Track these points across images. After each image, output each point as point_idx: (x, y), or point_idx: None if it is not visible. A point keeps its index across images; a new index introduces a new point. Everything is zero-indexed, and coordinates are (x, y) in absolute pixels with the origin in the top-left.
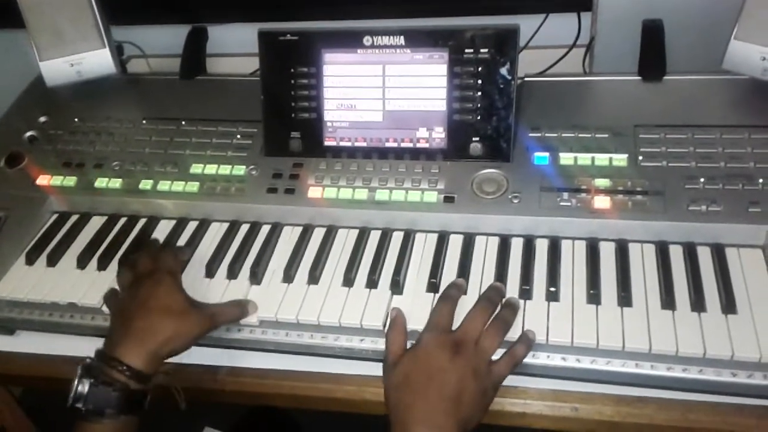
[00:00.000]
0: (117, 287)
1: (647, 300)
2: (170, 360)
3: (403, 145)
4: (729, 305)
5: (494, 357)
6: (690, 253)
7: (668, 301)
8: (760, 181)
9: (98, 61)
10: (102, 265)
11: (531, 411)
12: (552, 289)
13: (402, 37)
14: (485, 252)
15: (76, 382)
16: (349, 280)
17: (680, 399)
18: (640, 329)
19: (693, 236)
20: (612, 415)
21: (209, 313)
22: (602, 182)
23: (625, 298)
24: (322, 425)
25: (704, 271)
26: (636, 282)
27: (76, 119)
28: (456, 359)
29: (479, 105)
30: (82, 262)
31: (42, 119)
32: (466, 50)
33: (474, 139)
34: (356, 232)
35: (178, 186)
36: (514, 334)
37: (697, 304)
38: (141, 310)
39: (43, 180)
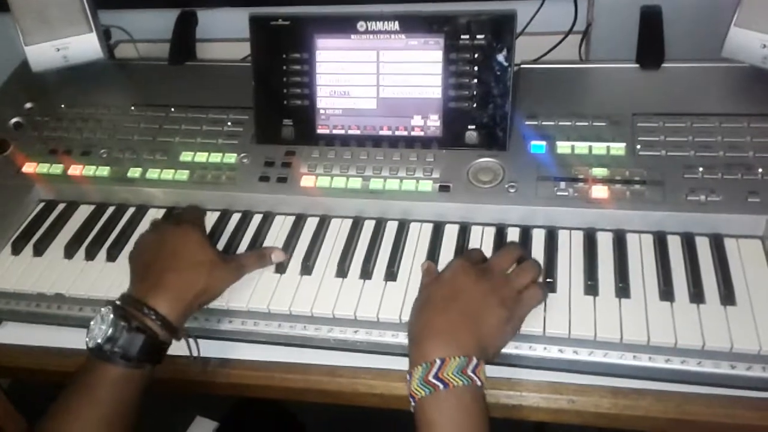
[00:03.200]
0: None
1: (645, 291)
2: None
3: (397, 133)
4: (728, 296)
5: None
6: (688, 243)
7: (666, 292)
8: (760, 170)
9: (85, 46)
10: (90, 255)
11: (527, 403)
12: (549, 279)
13: (396, 23)
14: (481, 242)
15: (106, 323)
16: (342, 271)
17: (678, 391)
18: (638, 321)
19: (692, 226)
20: (609, 408)
21: (236, 265)
22: (600, 171)
23: (623, 289)
24: (316, 414)
25: (703, 262)
26: (634, 273)
27: (62, 105)
28: (481, 283)
29: (475, 92)
30: (69, 251)
31: (28, 105)
32: (462, 36)
33: (470, 127)
34: (350, 221)
35: (168, 174)
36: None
37: (696, 295)
38: (174, 262)
39: (29, 167)
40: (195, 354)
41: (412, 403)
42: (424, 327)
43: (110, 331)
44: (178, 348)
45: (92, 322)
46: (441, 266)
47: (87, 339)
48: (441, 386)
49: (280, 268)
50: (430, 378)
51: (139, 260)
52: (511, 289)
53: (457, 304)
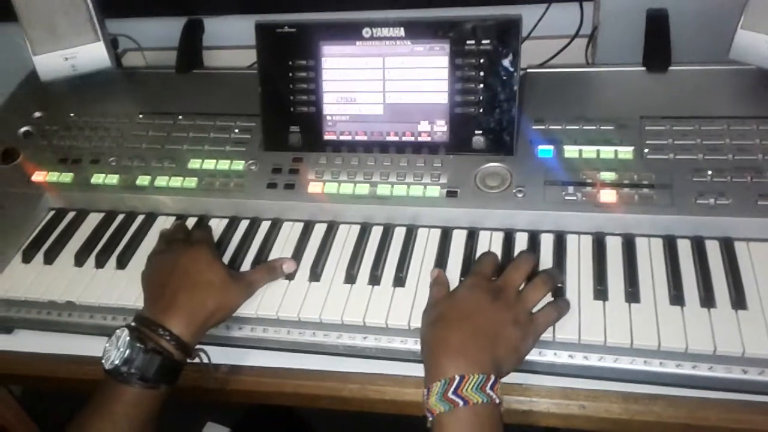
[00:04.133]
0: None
1: (655, 295)
2: None
3: (404, 138)
4: (739, 300)
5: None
6: (698, 247)
7: (677, 296)
8: None
9: (93, 54)
10: (100, 263)
11: (538, 409)
12: (558, 285)
13: (402, 29)
14: (489, 247)
15: (124, 345)
16: (351, 277)
17: (689, 396)
18: (649, 325)
19: (701, 230)
20: (620, 413)
21: (247, 282)
22: (608, 175)
23: (632, 293)
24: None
25: (713, 266)
26: (643, 277)
27: (71, 114)
28: (495, 303)
29: (481, 97)
30: (79, 259)
31: (37, 114)
32: (468, 41)
33: (477, 132)
34: (358, 227)
35: (176, 181)
36: None
37: (707, 299)
38: (187, 282)
39: (38, 176)
40: (210, 363)
41: (430, 419)
42: (440, 343)
43: (127, 352)
44: None
45: (107, 344)
46: (450, 272)
47: (103, 361)
48: (461, 403)
49: (289, 275)
50: (450, 395)
51: (151, 280)
52: (524, 308)
53: (471, 321)
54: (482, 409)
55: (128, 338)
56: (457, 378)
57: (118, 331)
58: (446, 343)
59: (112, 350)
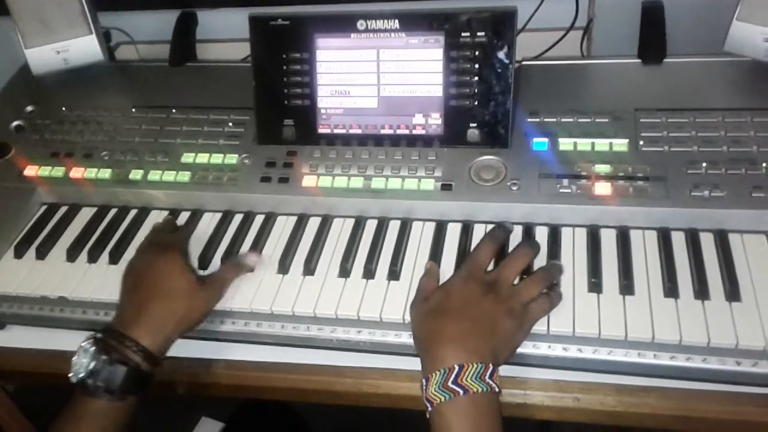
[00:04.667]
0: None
1: (650, 288)
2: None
3: (399, 131)
4: (733, 293)
5: None
6: (693, 239)
7: (671, 288)
8: (764, 165)
9: (85, 48)
10: (92, 258)
11: (532, 402)
12: (554, 282)
13: (396, 21)
14: None
15: (88, 357)
16: (345, 271)
17: (683, 388)
18: (643, 318)
19: (695, 222)
20: (614, 405)
21: (216, 285)
22: (602, 168)
23: (627, 286)
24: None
25: (707, 258)
26: (638, 270)
27: (63, 108)
28: (489, 295)
29: (476, 90)
30: (71, 254)
31: (29, 108)
32: (463, 34)
33: (471, 125)
34: (352, 221)
35: (170, 176)
36: None
37: (701, 291)
38: (154, 291)
39: (30, 171)
40: (181, 390)
41: (429, 408)
42: (437, 333)
43: (92, 364)
44: (181, 351)
45: (75, 357)
46: (444, 265)
47: (71, 374)
48: (461, 392)
49: (283, 269)
50: (449, 384)
51: (123, 289)
52: (518, 301)
53: (468, 312)
54: (482, 397)
55: (93, 349)
56: (457, 367)
57: (84, 343)
58: (444, 333)
59: (77, 362)
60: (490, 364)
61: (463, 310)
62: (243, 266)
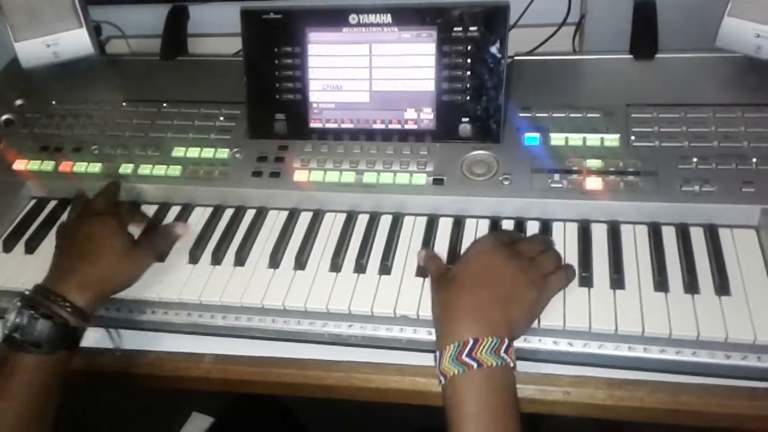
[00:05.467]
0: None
1: (640, 282)
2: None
3: (390, 126)
4: (722, 287)
5: None
6: (683, 234)
7: (661, 282)
8: (754, 160)
9: (75, 41)
10: None
11: (522, 395)
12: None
13: (389, 15)
14: (476, 235)
15: (14, 313)
16: (336, 265)
17: (673, 381)
18: (633, 312)
19: (686, 217)
20: (604, 399)
21: (148, 249)
22: (594, 163)
23: (617, 280)
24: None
25: (697, 253)
26: (628, 264)
27: (53, 102)
28: (510, 261)
29: (468, 85)
30: None
31: (18, 102)
32: (455, 28)
33: (463, 119)
34: (343, 215)
35: (160, 170)
36: None
37: (691, 285)
38: (84, 249)
39: (19, 165)
40: (116, 345)
41: (442, 381)
42: (453, 305)
43: (17, 320)
44: (169, 345)
45: (6, 315)
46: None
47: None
48: (475, 365)
49: (274, 264)
50: (464, 357)
51: (55, 252)
52: (539, 270)
53: (487, 282)
54: (496, 372)
55: (19, 305)
56: (471, 341)
57: (14, 300)
58: (460, 305)
59: (7, 320)
60: (506, 339)
61: (482, 280)
62: (173, 235)
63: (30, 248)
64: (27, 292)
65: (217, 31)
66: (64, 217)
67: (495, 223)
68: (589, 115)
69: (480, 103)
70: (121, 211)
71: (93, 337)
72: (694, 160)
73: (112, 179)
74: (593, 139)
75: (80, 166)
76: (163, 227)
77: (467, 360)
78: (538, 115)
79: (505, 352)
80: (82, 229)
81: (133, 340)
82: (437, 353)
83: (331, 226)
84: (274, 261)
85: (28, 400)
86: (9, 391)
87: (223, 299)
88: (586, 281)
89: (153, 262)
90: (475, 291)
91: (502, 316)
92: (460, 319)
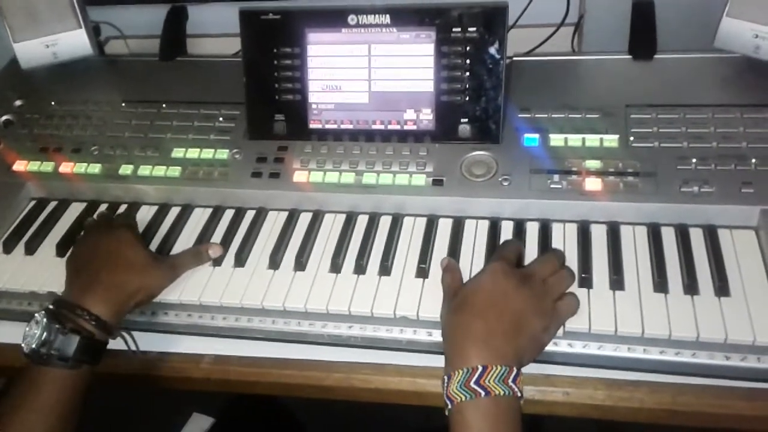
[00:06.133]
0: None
1: (639, 283)
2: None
3: (390, 127)
4: (722, 288)
5: None
6: (682, 235)
7: (661, 284)
8: (753, 161)
9: (74, 42)
10: None
11: None
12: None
13: (388, 16)
14: (475, 236)
15: (40, 328)
16: (336, 266)
17: (672, 382)
18: (633, 313)
19: (685, 218)
20: (604, 400)
21: (170, 265)
22: (593, 164)
23: (617, 281)
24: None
25: (697, 254)
26: (628, 265)
27: (52, 103)
28: (521, 289)
29: (467, 85)
30: (61, 250)
31: (17, 103)
32: (454, 29)
33: (462, 120)
34: (343, 216)
35: (160, 171)
36: None
37: (690, 286)
38: (107, 263)
39: (19, 166)
40: (134, 348)
41: (449, 406)
42: (463, 330)
43: (45, 335)
44: (169, 346)
45: (26, 328)
46: (436, 260)
47: (23, 345)
48: (482, 393)
49: (274, 265)
50: (472, 384)
51: (73, 264)
52: (550, 299)
53: (496, 309)
54: (503, 401)
55: (45, 320)
56: (480, 368)
57: (37, 315)
58: (470, 330)
59: (30, 334)
60: (514, 367)
61: (493, 306)
62: (203, 256)
63: (30, 249)
64: (50, 306)
65: (217, 32)
66: (66, 217)
67: (494, 224)
68: (588, 115)
69: (479, 103)
70: (129, 221)
71: None
72: (693, 160)
73: (112, 180)
74: (592, 140)
75: (80, 167)
76: (196, 247)
77: (475, 387)
78: (537, 115)
79: (513, 381)
80: (101, 241)
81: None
82: (445, 377)
83: (331, 227)
84: (274, 262)
85: (52, 414)
86: (34, 404)
87: (223, 300)
88: (586, 282)
89: (176, 277)
90: (486, 317)
91: (511, 344)
92: (470, 345)
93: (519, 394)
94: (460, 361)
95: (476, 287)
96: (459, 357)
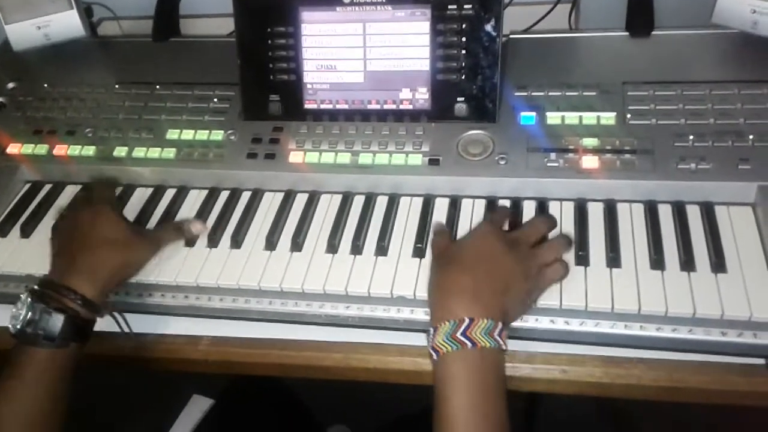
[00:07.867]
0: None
1: (636, 260)
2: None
3: (386, 106)
4: (719, 264)
5: None
6: (679, 212)
7: (657, 260)
8: (750, 137)
9: (67, 23)
10: None
11: (519, 374)
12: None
13: None
14: (472, 215)
15: (25, 308)
16: (333, 247)
17: (669, 359)
18: (630, 290)
19: (682, 195)
20: (601, 377)
21: (153, 240)
22: (590, 141)
23: (613, 258)
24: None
25: (694, 230)
26: (625, 242)
27: (45, 85)
28: (509, 253)
29: (463, 64)
30: None
31: (10, 85)
32: (450, 6)
33: (459, 99)
34: (339, 197)
35: (154, 152)
36: None
37: (687, 263)
38: (88, 241)
39: (13, 148)
40: (126, 329)
41: (434, 357)
42: (451, 284)
43: (30, 314)
44: (166, 327)
45: (13, 310)
46: (431, 236)
47: (9, 326)
48: (469, 344)
49: (270, 245)
50: (458, 335)
51: (55, 244)
52: (536, 263)
53: (486, 266)
54: (489, 352)
55: (30, 300)
56: (467, 320)
57: (22, 295)
58: (458, 284)
59: (16, 314)
60: (500, 322)
61: (480, 263)
62: (184, 232)
63: (25, 232)
64: (35, 287)
65: (210, 12)
66: (58, 204)
67: (491, 203)
68: (585, 93)
69: (475, 82)
70: (108, 196)
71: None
72: (691, 137)
73: (106, 163)
74: (589, 118)
75: (74, 150)
76: (177, 221)
77: (462, 338)
78: (533, 93)
79: (499, 334)
80: (81, 220)
81: (130, 324)
82: (431, 330)
83: (327, 208)
84: (271, 243)
85: (42, 394)
86: (23, 385)
87: (219, 282)
88: (583, 260)
89: (158, 251)
90: (474, 273)
91: (498, 300)
92: (457, 299)
93: (504, 348)
94: (446, 313)
95: (465, 245)
96: (446, 309)
